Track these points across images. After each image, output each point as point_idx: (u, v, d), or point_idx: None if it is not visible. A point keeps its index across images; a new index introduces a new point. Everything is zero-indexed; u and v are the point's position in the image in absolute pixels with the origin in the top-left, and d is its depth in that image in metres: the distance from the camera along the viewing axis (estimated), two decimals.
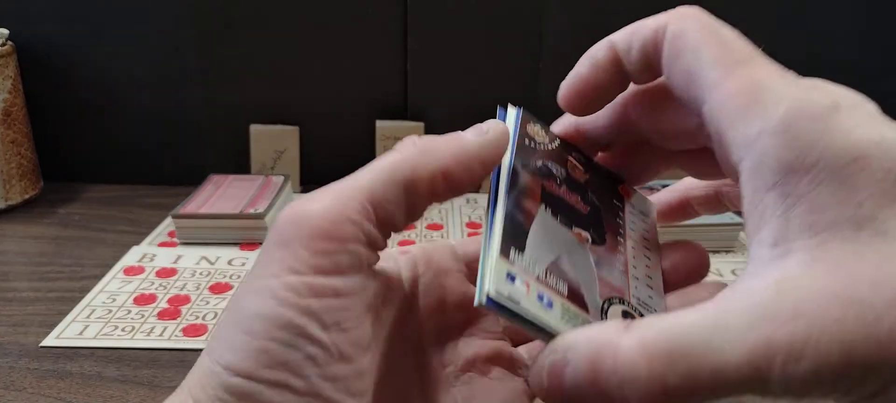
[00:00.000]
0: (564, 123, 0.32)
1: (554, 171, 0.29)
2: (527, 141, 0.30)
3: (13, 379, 0.50)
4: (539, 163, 0.29)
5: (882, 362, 0.19)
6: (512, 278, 0.24)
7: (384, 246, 0.26)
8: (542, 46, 0.85)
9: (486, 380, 0.30)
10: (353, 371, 0.23)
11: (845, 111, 0.22)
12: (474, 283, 0.30)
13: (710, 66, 0.24)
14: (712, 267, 0.76)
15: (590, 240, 0.28)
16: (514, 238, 0.25)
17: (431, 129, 0.87)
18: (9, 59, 0.77)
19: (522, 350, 0.32)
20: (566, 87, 0.29)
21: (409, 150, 0.26)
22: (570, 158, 0.31)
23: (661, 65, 0.26)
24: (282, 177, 0.80)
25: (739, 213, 0.23)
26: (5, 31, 0.77)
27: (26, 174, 0.81)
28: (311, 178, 0.90)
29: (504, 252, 0.24)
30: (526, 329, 0.24)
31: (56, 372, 0.51)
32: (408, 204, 0.25)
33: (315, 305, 0.23)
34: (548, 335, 0.24)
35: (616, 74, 0.28)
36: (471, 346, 0.30)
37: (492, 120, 0.28)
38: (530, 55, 0.85)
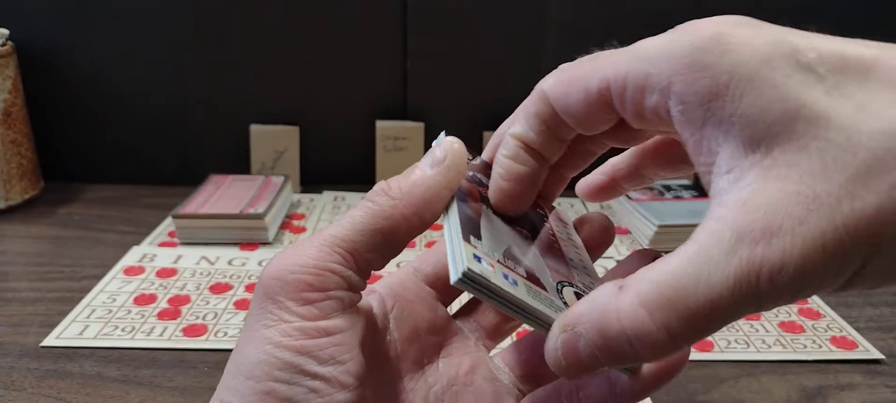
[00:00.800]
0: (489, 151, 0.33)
1: (484, 181, 0.32)
2: None
3: (13, 379, 0.50)
4: (470, 173, 0.32)
5: (853, 241, 0.20)
6: (478, 259, 0.25)
7: (364, 286, 0.28)
8: (542, 45, 0.85)
9: (471, 389, 0.31)
10: (355, 398, 0.25)
11: (734, 26, 0.23)
12: (443, 305, 0.33)
13: (597, 83, 0.26)
14: None
15: (530, 236, 0.31)
16: (472, 229, 0.27)
17: (431, 129, 0.87)
18: (9, 59, 0.77)
19: (498, 360, 0.33)
20: (501, 198, 0.30)
21: (383, 201, 0.27)
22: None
23: (560, 120, 0.28)
24: (282, 177, 0.80)
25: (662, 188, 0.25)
26: (5, 31, 0.77)
27: (26, 174, 0.81)
28: (312, 178, 0.90)
29: (466, 238, 0.26)
30: (496, 304, 0.26)
31: (56, 372, 0.51)
32: (388, 251, 0.28)
33: (309, 345, 0.25)
34: (518, 309, 0.26)
35: (536, 162, 0.29)
36: (450, 365, 0.32)
37: (443, 140, 0.30)
38: (530, 54, 0.85)
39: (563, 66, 0.28)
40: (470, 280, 0.25)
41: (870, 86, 0.21)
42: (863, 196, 0.19)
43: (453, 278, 0.25)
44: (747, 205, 0.21)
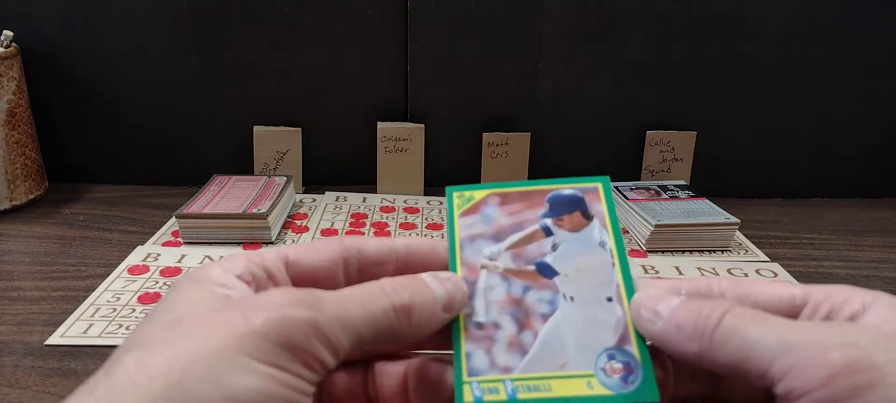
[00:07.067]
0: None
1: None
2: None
3: (18, 378, 0.50)
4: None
5: None
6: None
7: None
8: (541, 47, 0.86)
9: None
10: None
11: None
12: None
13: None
14: (708, 267, 0.76)
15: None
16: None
17: (432, 130, 0.88)
18: (13, 60, 0.78)
19: None
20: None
21: (402, 324, 0.29)
22: None
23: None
24: (284, 178, 0.81)
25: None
26: (10, 33, 0.78)
27: (31, 174, 0.82)
28: (314, 178, 0.91)
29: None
30: None
31: (60, 371, 0.51)
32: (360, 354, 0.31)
33: None
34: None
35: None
36: None
37: (458, 292, 0.31)
38: (529, 56, 0.86)
39: None
40: None
41: None
42: None
43: None
44: None
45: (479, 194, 0.34)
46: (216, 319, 0.25)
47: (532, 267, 0.32)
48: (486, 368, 0.29)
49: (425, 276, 0.30)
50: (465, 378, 0.29)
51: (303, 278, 0.31)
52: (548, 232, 0.33)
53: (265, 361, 0.24)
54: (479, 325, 0.30)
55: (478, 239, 0.33)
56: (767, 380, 0.25)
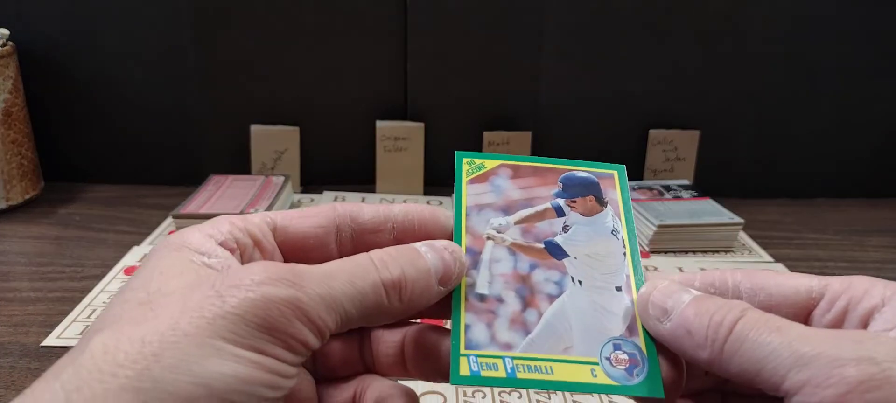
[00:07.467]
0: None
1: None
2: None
3: (14, 379, 0.50)
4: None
5: None
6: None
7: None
8: (541, 46, 0.85)
9: None
10: None
11: None
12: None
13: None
14: (711, 267, 0.75)
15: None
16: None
17: (431, 129, 0.87)
18: (9, 59, 0.77)
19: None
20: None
21: (393, 302, 0.27)
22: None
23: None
24: (282, 177, 0.81)
25: None
26: (6, 32, 0.77)
27: (27, 174, 0.81)
28: (312, 178, 0.90)
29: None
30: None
31: None
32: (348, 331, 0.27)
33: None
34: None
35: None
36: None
37: (456, 263, 0.29)
38: (530, 55, 0.85)
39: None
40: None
41: None
42: None
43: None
44: None
45: (490, 163, 0.33)
46: (189, 298, 0.23)
47: (541, 245, 0.31)
48: (485, 342, 0.28)
49: (420, 246, 0.28)
50: (462, 350, 0.28)
51: (292, 246, 0.29)
52: (560, 212, 0.32)
53: (242, 344, 0.22)
54: (482, 297, 0.29)
55: (486, 208, 0.32)
56: (781, 393, 0.24)
